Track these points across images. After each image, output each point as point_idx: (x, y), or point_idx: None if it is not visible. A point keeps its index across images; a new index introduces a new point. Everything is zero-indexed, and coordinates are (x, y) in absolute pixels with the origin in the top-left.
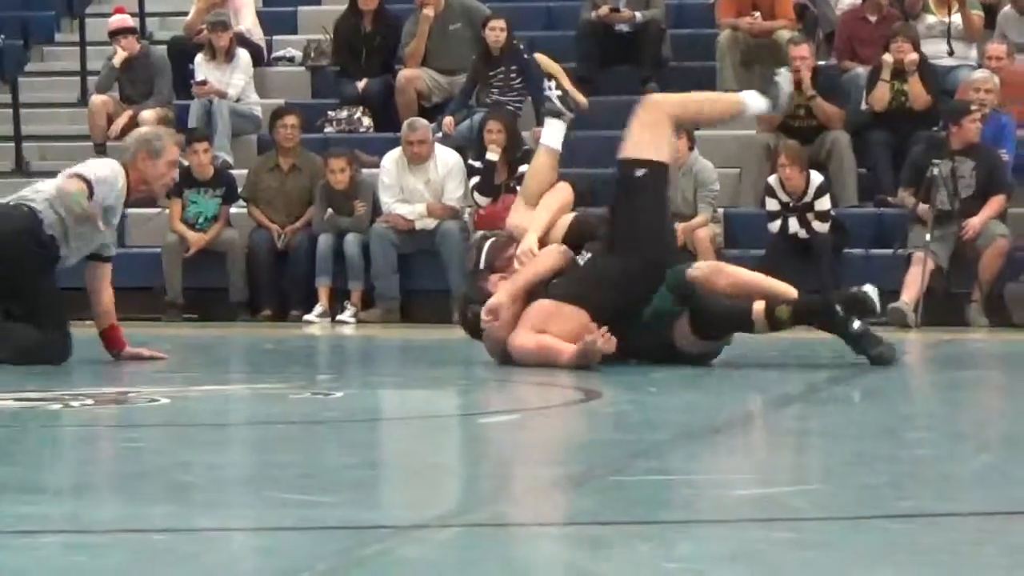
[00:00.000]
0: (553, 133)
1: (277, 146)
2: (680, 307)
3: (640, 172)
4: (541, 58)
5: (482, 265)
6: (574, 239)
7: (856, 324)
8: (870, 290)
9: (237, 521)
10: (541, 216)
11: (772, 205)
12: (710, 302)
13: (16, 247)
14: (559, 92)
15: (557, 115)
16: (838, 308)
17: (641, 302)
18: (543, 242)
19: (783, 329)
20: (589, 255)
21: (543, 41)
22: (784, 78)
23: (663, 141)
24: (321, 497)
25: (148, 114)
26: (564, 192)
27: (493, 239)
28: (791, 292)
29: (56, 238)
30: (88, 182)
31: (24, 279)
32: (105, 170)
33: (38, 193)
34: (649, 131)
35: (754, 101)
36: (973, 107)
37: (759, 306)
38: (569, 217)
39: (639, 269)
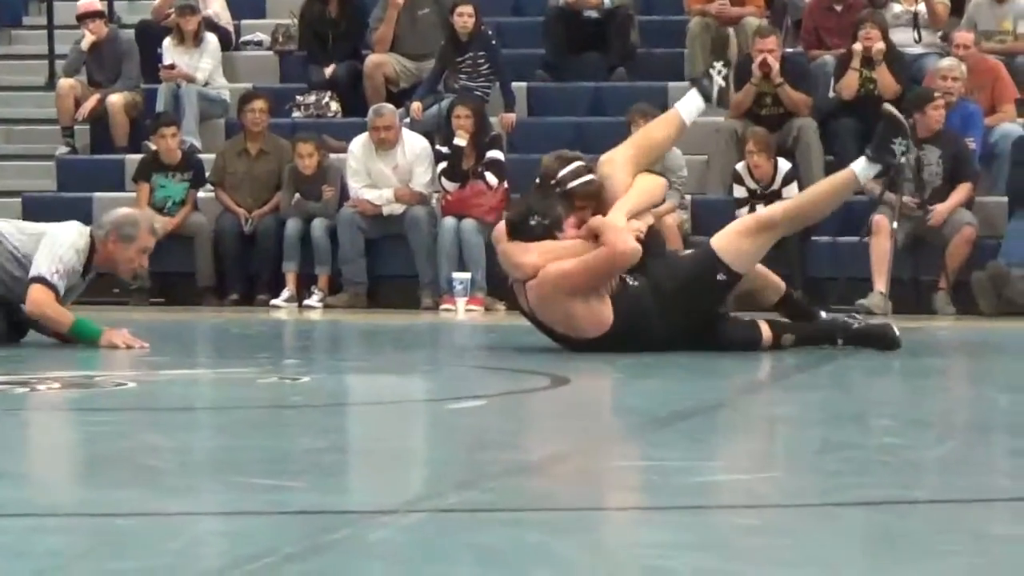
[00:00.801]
0: (692, 106)
1: (245, 130)
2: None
3: (721, 277)
4: (760, 42)
5: (558, 181)
6: (644, 243)
7: (857, 325)
8: (883, 328)
9: (203, 505)
10: (632, 199)
11: (739, 192)
12: (722, 328)
13: None
14: (723, 83)
15: (707, 98)
16: (839, 341)
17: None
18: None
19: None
20: (637, 284)
21: (511, 27)
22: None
23: (757, 258)
24: (288, 482)
25: (116, 98)
26: (663, 188)
27: (586, 180)
28: (781, 285)
29: None
30: (56, 291)
31: None
32: (71, 253)
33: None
34: (755, 251)
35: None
36: (937, 94)
37: (767, 333)
38: (648, 221)
39: (671, 331)
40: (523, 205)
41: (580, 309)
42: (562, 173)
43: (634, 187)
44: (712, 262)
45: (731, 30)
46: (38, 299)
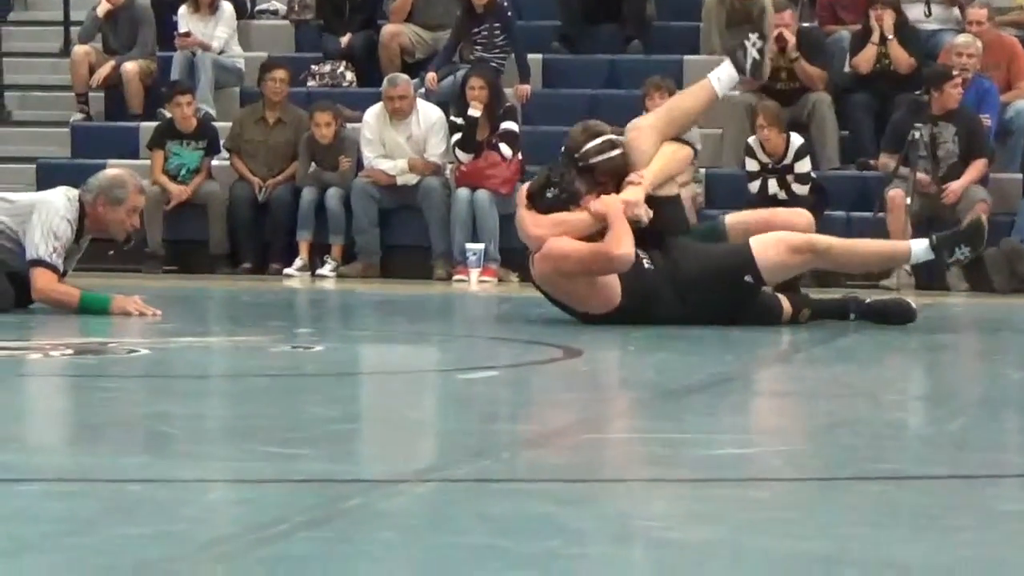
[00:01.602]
0: (726, 78)
1: (264, 99)
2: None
3: (749, 280)
4: (777, 16)
5: (581, 155)
6: (656, 214)
7: (870, 300)
8: (898, 303)
9: (216, 472)
10: (654, 169)
11: (751, 166)
12: (753, 303)
13: None
14: (758, 56)
15: (740, 70)
16: (851, 316)
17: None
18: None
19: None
20: (653, 267)
21: None
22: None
23: (785, 276)
24: (300, 450)
25: (131, 65)
26: (688, 157)
27: (611, 156)
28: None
29: None
30: (56, 270)
31: None
32: (63, 225)
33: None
34: (787, 269)
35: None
36: (955, 72)
37: (787, 307)
38: (672, 190)
39: (686, 317)
40: (544, 174)
41: (583, 288)
42: (586, 147)
43: (657, 156)
44: (745, 262)
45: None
46: (42, 285)
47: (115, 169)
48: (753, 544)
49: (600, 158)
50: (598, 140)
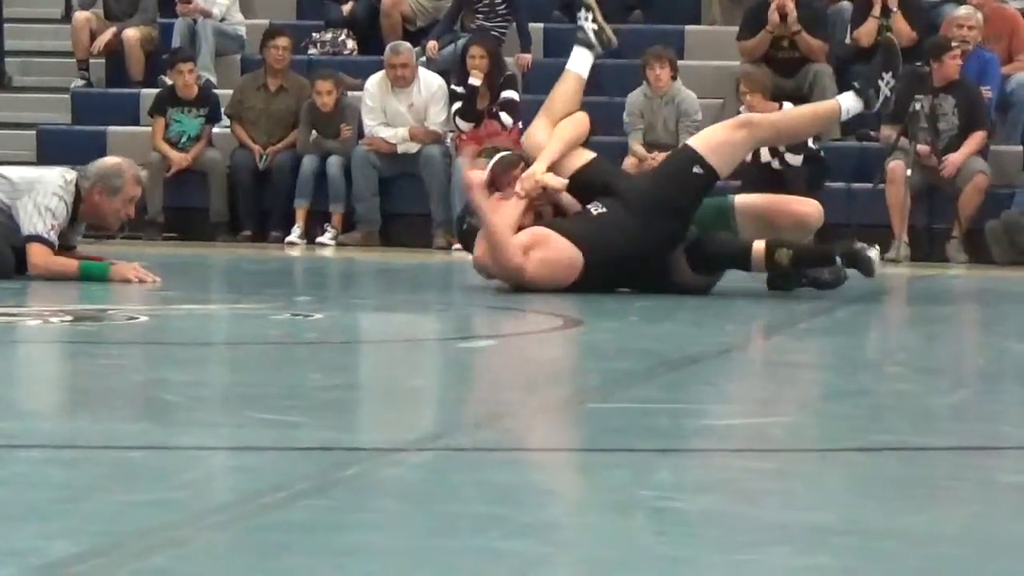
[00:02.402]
0: (581, 61)
1: (266, 66)
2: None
3: (697, 170)
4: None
5: (488, 174)
6: (585, 180)
7: (858, 246)
8: (874, 254)
9: (215, 440)
10: (553, 146)
11: None
12: (709, 238)
13: None
14: (595, 26)
15: (588, 47)
16: (838, 259)
17: (645, 266)
18: (553, 172)
19: (780, 271)
20: (605, 210)
21: None
22: (887, 83)
23: (734, 160)
24: (300, 418)
25: (132, 32)
26: (581, 122)
27: (502, 155)
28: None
29: None
30: (51, 245)
31: None
32: (60, 206)
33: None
34: (731, 147)
35: (849, 104)
36: (954, 43)
37: (759, 246)
38: (588, 156)
39: (653, 241)
40: (462, 212)
41: (540, 269)
42: (489, 165)
43: (552, 136)
44: (689, 157)
45: None
46: (38, 259)
47: (114, 157)
48: (754, 514)
49: (496, 165)
50: (496, 155)
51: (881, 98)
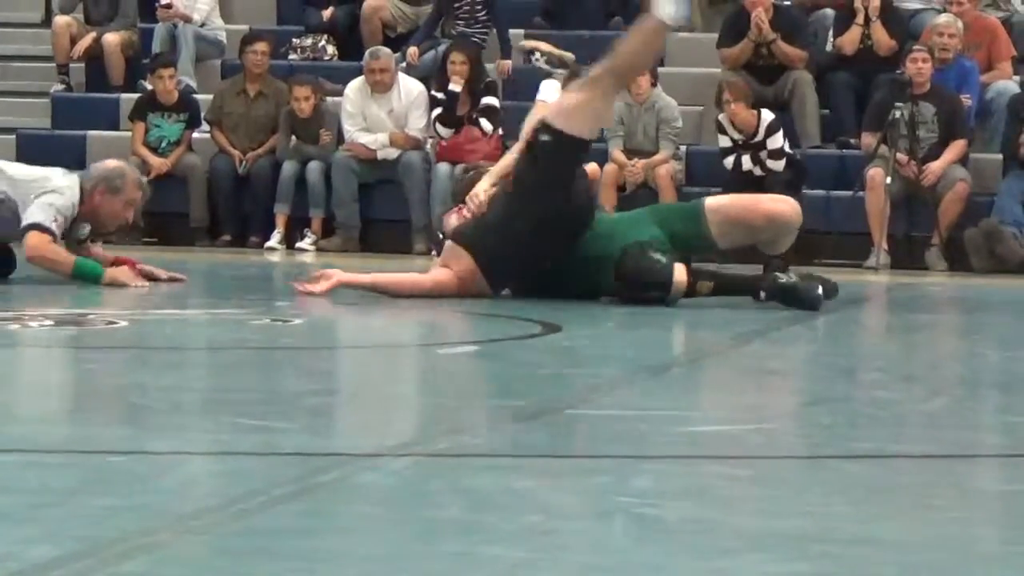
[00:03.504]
0: (548, 90)
1: (246, 71)
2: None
3: (544, 137)
4: (523, 44)
5: (454, 195)
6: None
7: (783, 280)
8: (810, 289)
9: (194, 445)
10: (503, 163)
11: (724, 142)
12: (633, 257)
13: None
14: (544, 56)
15: (549, 76)
16: (762, 295)
17: (539, 254)
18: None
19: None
20: (486, 210)
21: None
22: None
23: (586, 118)
24: (278, 423)
25: (112, 36)
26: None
27: (470, 173)
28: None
29: None
30: (51, 234)
31: None
32: (68, 205)
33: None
34: (577, 109)
35: (667, 6)
36: (917, 47)
37: (680, 276)
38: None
39: (526, 225)
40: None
41: (457, 282)
42: (455, 188)
43: (508, 154)
44: (536, 130)
45: None
46: (36, 243)
47: (116, 160)
48: (732, 521)
49: (459, 182)
50: (465, 176)
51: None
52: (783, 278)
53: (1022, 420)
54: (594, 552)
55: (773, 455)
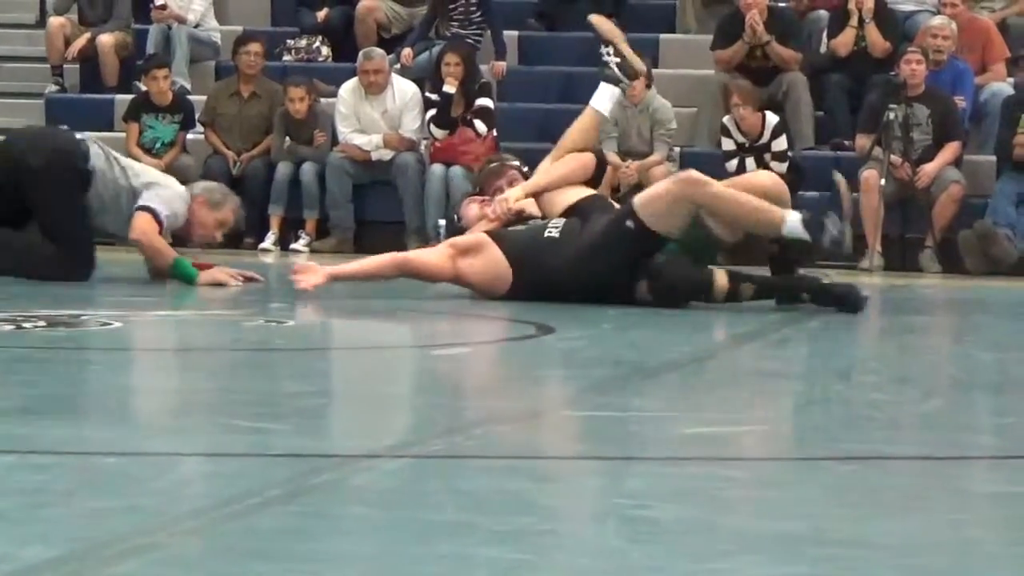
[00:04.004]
0: (604, 97)
1: (239, 73)
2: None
3: (629, 224)
4: (599, 21)
5: (476, 183)
6: (574, 215)
7: (827, 281)
8: (851, 290)
9: (188, 446)
10: (540, 178)
11: (728, 145)
12: (671, 269)
13: (47, 163)
14: (617, 59)
15: (615, 82)
16: (805, 296)
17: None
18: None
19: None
20: (556, 236)
21: None
22: (832, 221)
23: (661, 212)
24: (273, 424)
25: (106, 37)
26: (581, 161)
27: (494, 164)
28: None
29: (92, 176)
30: (160, 223)
31: (44, 193)
32: (181, 205)
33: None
34: (660, 200)
35: (794, 225)
36: (911, 49)
37: (722, 280)
38: (586, 192)
39: (582, 281)
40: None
41: (469, 274)
42: (478, 176)
43: (550, 167)
44: (626, 210)
45: None
46: (146, 228)
47: (216, 183)
48: (726, 523)
49: (483, 172)
50: (489, 166)
51: (827, 237)
52: (826, 280)
53: (1016, 421)
54: (588, 553)
55: (768, 457)
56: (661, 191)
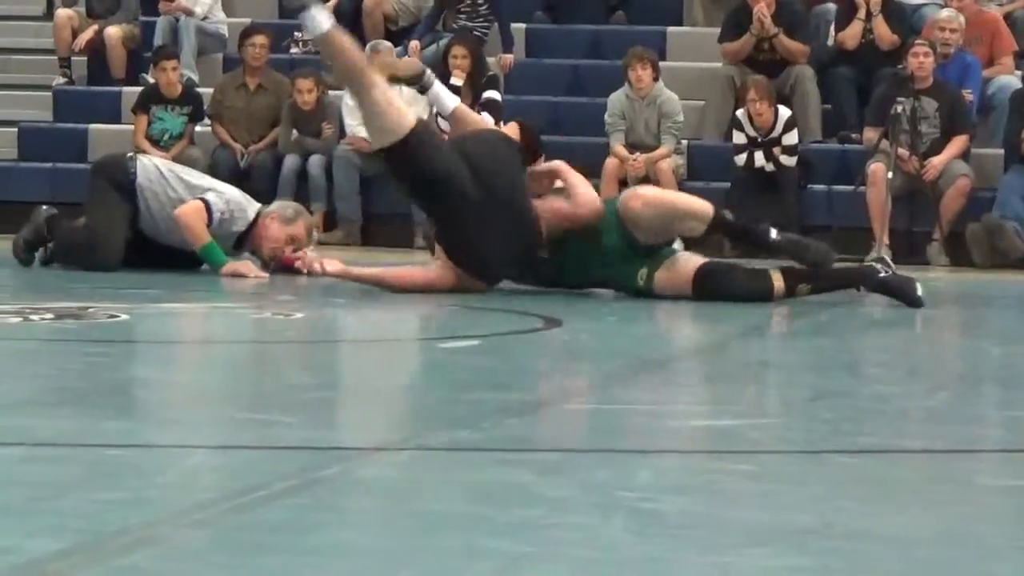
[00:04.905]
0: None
1: (245, 65)
2: (649, 261)
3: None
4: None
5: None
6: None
7: (884, 274)
8: (907, 282)
9: (195, 438)
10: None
11: (739, 138)
12: (726, 284)
13: (91, 172)
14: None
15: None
16: (861, 289)
17: (493, 237)
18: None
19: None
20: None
21: None
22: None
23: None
24: (280, 417)
25: (114, 29)
26: (583, 200)
27: (533, 169)
28: (707, 210)
29: (137, 189)
30: (211, 215)
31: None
32: (240, 210)
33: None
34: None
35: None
36: (919, 42)
37: (779, 282)
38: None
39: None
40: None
41: (434, 278)
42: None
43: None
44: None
45: None
46: (189, 210)
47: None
48: (733, 516)
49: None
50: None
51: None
52: (883, 271)
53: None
54: (594, 546)
55: (774, 450)
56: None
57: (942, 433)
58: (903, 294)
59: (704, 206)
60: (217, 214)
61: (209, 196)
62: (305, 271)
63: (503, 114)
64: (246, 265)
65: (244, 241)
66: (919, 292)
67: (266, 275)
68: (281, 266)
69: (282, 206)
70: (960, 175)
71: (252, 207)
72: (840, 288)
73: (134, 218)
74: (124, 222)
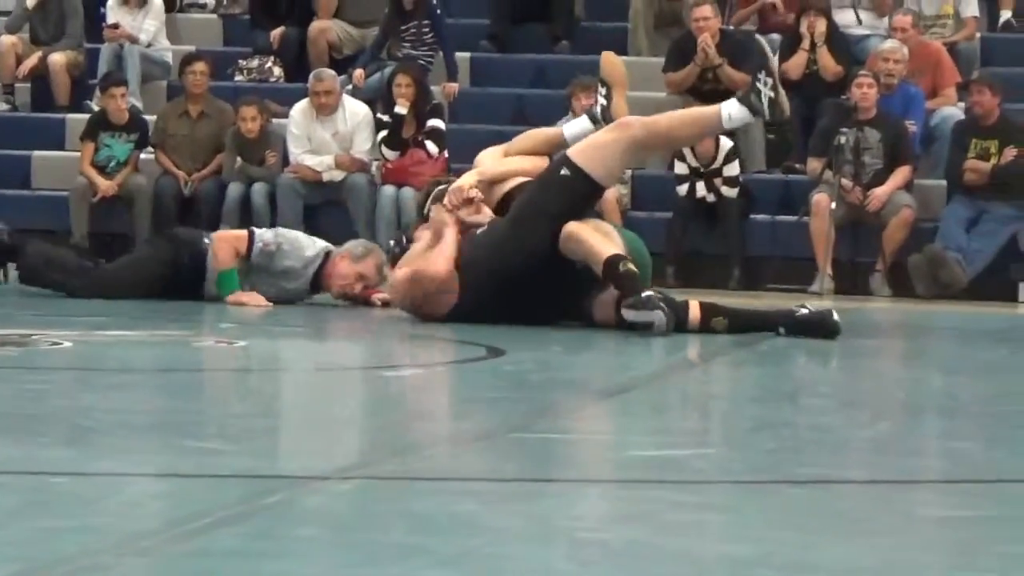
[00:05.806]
0: (576, 128)
1: (186, 92)
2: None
3: (564, 172)
4: (609, 61)
5: (426, 207)
6: (508, 202)
7: (800, 313)
8: (824, 317)
9: (138, 466)
10: (496, 165)
11: (681, 169)
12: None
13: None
14: (604, 101)
15: (594, 121)
16: (781, 330)
17: (526, 274)
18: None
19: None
20: (484, 227)
21: None
22: (765, 84)
23: (607, 161)
24: (223, 445)
25: (58, 56)
26: (537, 163)
27: (440, 187)
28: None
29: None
30: (251, 244)
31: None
32: (297, 243)
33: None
34: (602, 149)
35: (734, 111)
36: (862, 73)
37: (695, 313)
38: (521, 181)
39: (522, 250)
40: (393, 243)
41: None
42: (426, 201)
43: (506, 160)
44: (559, 160)
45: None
46: (228, 235)
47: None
48: (676, 546)
49: (438, 193)
50: (434, 190)
51: (765, 100)
52: (799, 311)
53: (965, 446)
54: None
55: (717, 480)
56: (598, 140)
57: (883, 464)
58: (822, 329)
59: (601, 251)
60: (259, 244)
61: (259, 229)
62: (379, 304)
63: (445, 143)
64: (251, 296)
65: (318, 282)
66: (835, 317)
67: (270, 304)
68: (354, 302)
69: (352, 244)
70: (903, 206)
71: (315, 246)
72: (757, 330)
73: (196, 288)
74: (152, 286)
